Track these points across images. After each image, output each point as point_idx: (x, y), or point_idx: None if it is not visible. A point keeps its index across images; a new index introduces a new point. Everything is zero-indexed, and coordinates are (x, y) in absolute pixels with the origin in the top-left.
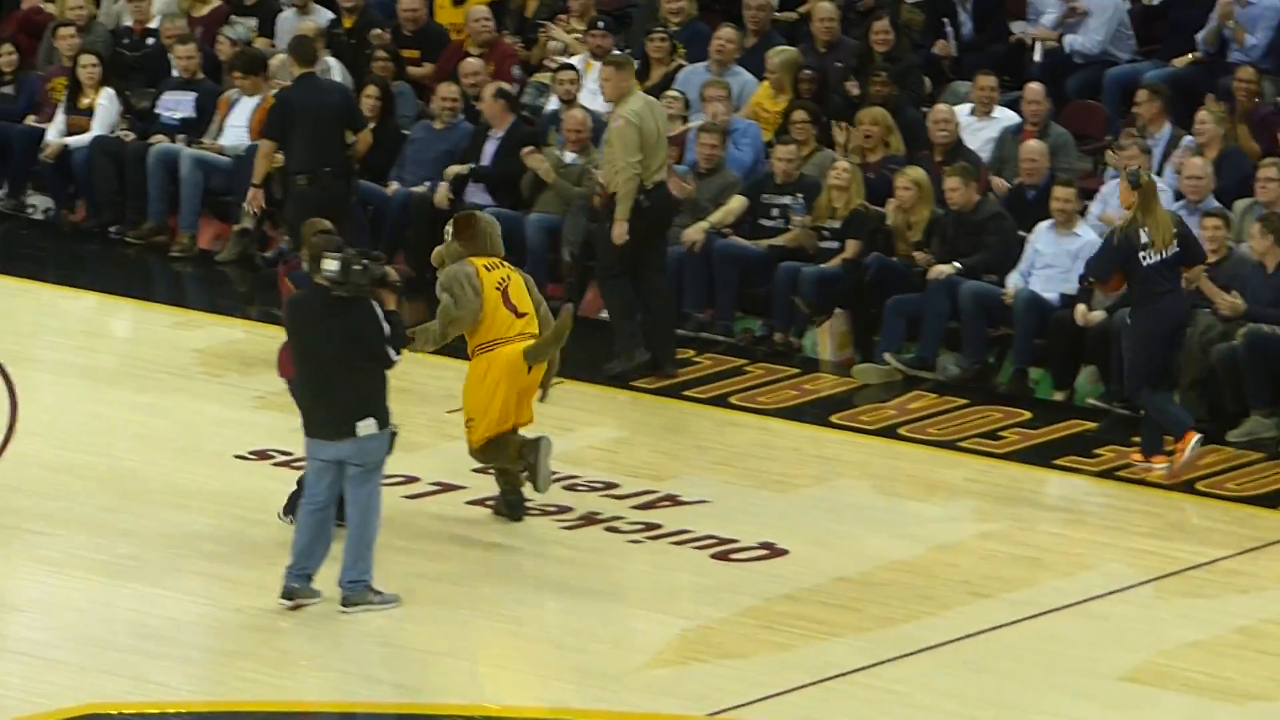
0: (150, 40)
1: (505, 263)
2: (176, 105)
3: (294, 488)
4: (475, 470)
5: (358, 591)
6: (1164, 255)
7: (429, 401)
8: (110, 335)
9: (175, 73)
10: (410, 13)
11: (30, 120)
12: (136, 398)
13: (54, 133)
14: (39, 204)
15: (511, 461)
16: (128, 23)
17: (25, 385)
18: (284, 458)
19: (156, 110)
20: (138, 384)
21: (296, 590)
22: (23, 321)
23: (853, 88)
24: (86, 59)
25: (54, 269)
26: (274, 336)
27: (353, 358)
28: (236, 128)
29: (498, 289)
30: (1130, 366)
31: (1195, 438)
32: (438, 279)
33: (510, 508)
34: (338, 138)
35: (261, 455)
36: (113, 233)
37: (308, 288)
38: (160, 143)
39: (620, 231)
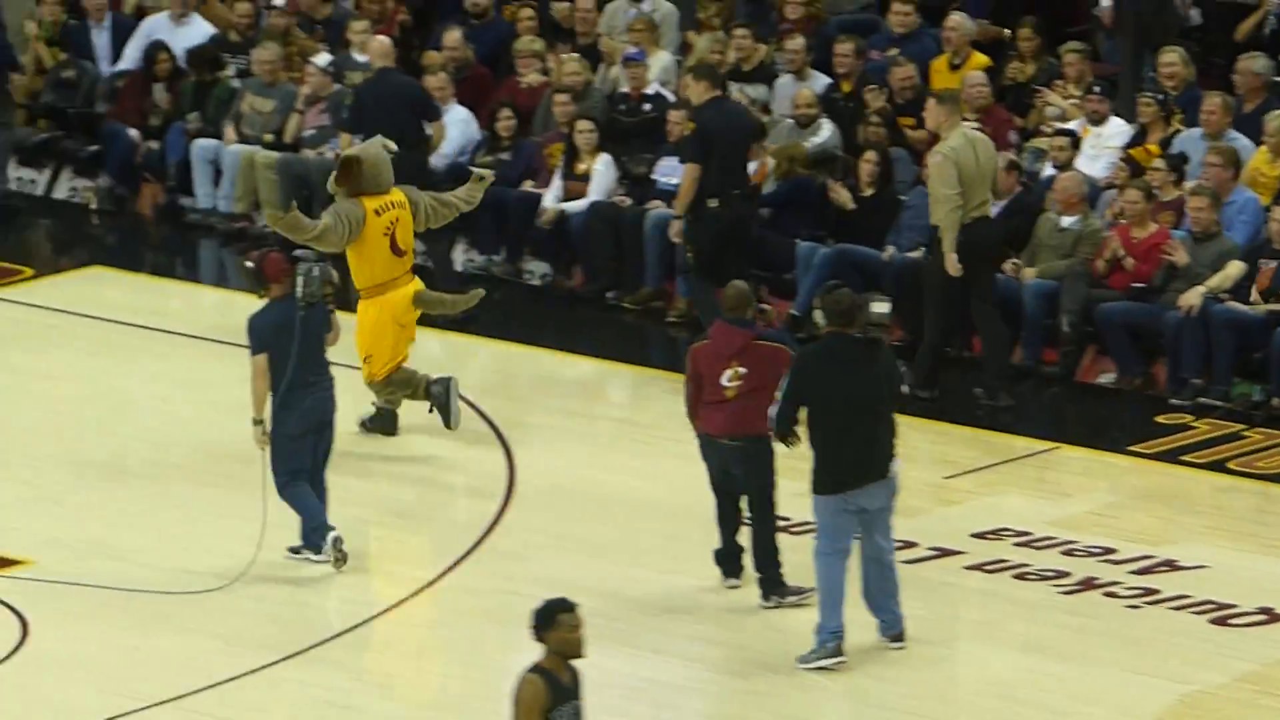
0: (647, 106)
1: (396, 195)
2: (673, 171)
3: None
4: (972, 535)
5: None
6: None
7: (925, 466)
8: (608, 400)
9: (671, 139)
10: (906, 79)
11: (527, 186)
12: (634, 463)
13: (551, 198)
14: (536, 269)
15: (409, 391)
16: (624, 89)
17: (522, 451)
18: (782, 521)
19: (653, 176)
20: (636, 449)
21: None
22: (520, 387)
23: None
24: (583, 125)
25: (551, 334)
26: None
27: (889, 401)
28: None
29: (385, 234)
30: None
31: None
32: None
33: (386, 422)
34: (745, 160)
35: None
36: (609, 298)
37: (826, 338)
38: (657, 208)
39: (951, 264)
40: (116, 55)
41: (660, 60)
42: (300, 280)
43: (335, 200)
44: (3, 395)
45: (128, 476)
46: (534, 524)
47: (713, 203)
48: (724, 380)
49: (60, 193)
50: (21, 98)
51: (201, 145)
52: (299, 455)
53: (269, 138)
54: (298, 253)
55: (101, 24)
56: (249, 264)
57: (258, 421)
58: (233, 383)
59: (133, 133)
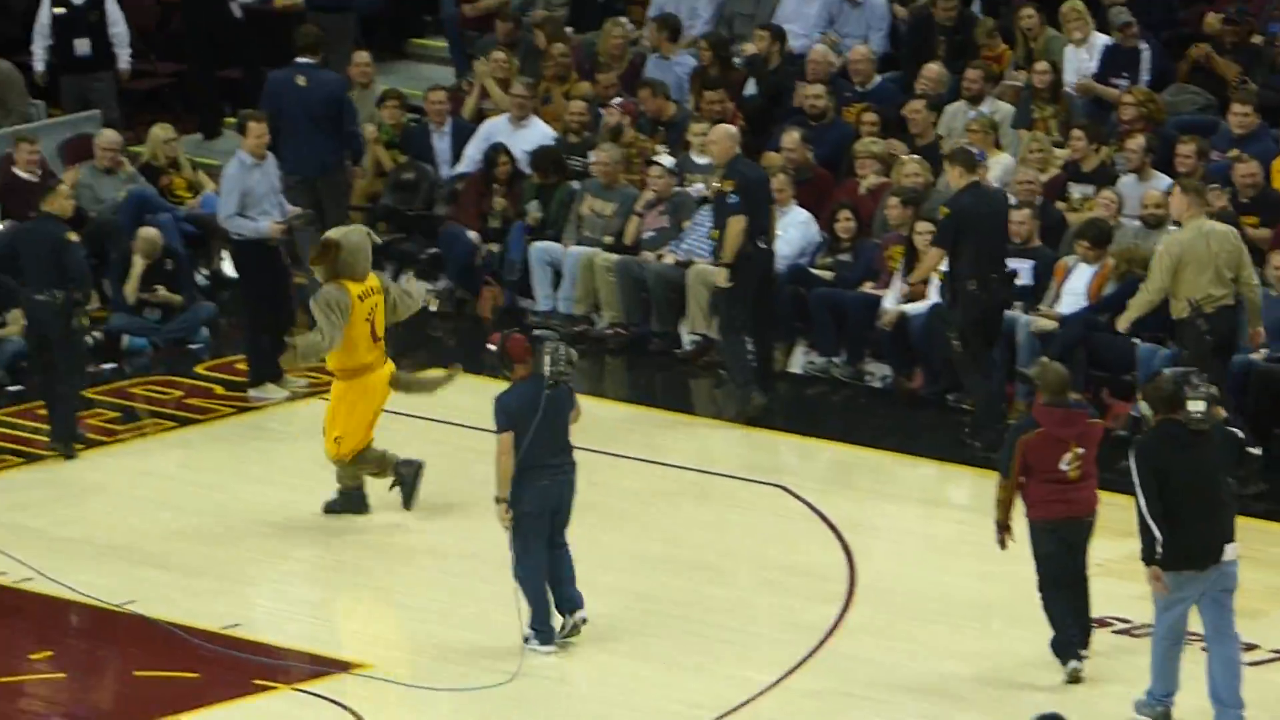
0: None
1: (373, 280)
2: (1015, 270)
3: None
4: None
5: None
6: None
7: (1265, 568)
8: (950, 504)
9: (1014, 240)
10: (1248, 177)
11: (867, 287)
12: (978, 566)
13: (891, 300)
14: (876, 371)
15: (374, 470)
16: None
17: (863, 552)
18: (1122, 625)
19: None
20: (978, 553)
21: None
22: (861, 489)
23: None
24: (922, 226)
25: (892, 436)
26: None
27: (1222, 482)
28: (1073, 295)
29: (367, 320)
30: None
31: None
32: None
33: (354, 503)
34: (1003, 244)
35: (1100, 623)
36: (950, 400)
37: (1158, 426)
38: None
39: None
40: (456, 158)
41: (1001, 161)
42: (548, 359)
43: (320, 286)
44: (325, 495)
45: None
46: (876, 626)
47: (971, 285)
48: (1063, 465)
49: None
50: (360, 200)
51: (541, 247)
52: (536, 533)
53: (609, 240)
54: (539, 333)
55: (442, 128)
56: (492, 346)
57: (501, 500)
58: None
59: (472, 235)
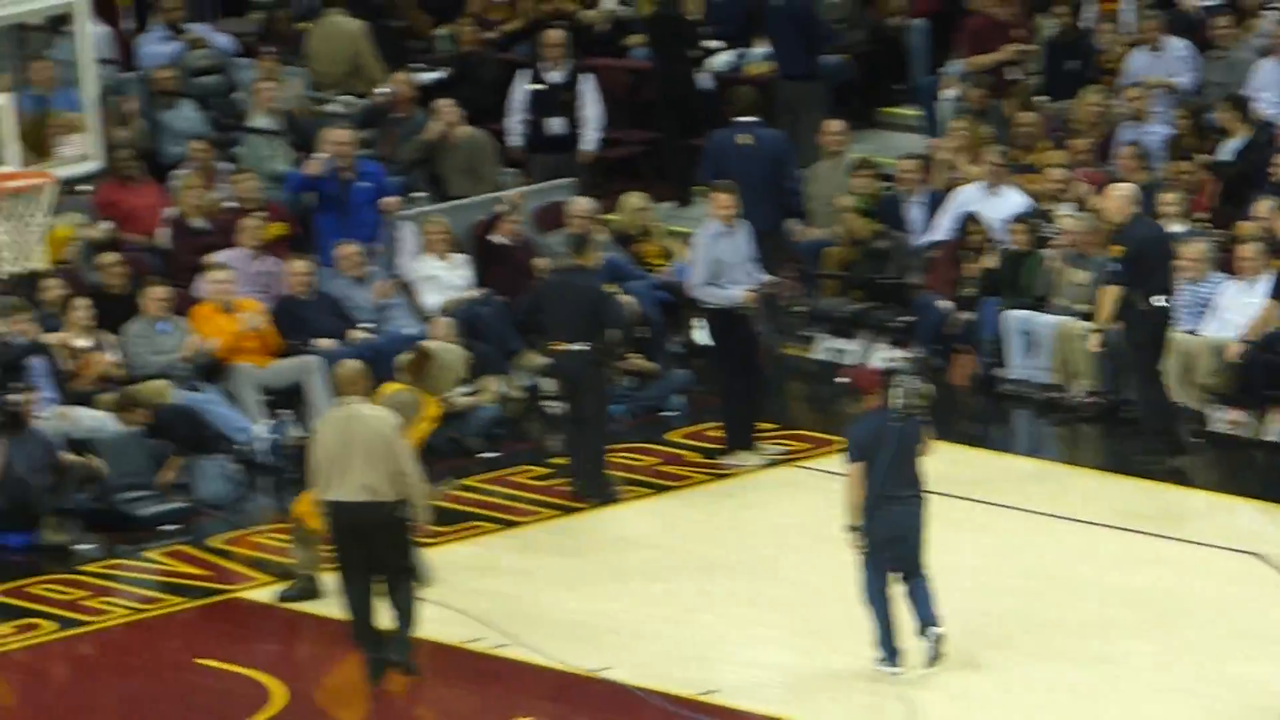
0: None
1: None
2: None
3: None
4: None
5: None
6: None
7: None
8: None
9: None
10: None
11: None
12: None
13: None
14: None
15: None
16: None
17: None
18: None
19: None
20: None
21: None
22: None
23: None
24: None
25: None
26: None
27: None
28: None
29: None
30: None
31: None
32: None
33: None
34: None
35: None
36: None
37: None
38: None
39: None
40: (928, 225)
41: None
42: (899, 392)
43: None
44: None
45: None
46: None
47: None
48: None
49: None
50: (835, 268)
51: (1015, 316)
52: (881, 565)
53: (1084, 307)
54: (891, 365)
55: (915, 196)
56: (843, 379)
57: (853, 528)
58: (1052, 553)
59: (944, 303)
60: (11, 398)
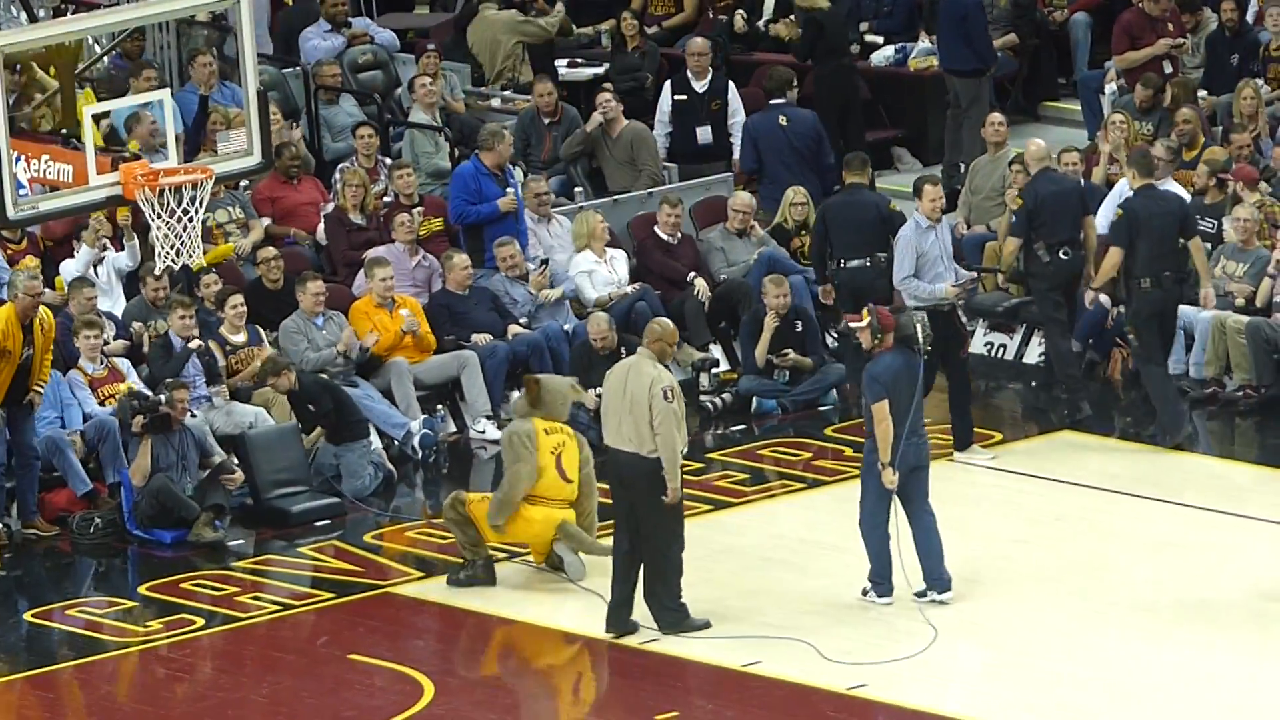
0: None
1: (566, 429)
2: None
3: None
4: None
5: None
6: None
7: None
8: None
9: None
10: None
11: None
12: None
13: None
14: None
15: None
16: None
17: None
18: None
19: None
20: None
21: None
22: None
23: None
24: None
25: None
26: None
27: None
28: None
29: (553, 453)
30: None
31: None
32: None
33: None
34: (1174, 243)
35: None
36: None
37: None
38: None
39: None
40: None
41: None
42: (919, 328)
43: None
44: (974, 561)
45: (1101, 639)
46: None
47: (1145, 283)
48: None
49: (1030, 358)
50: (994, 263)
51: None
52: (887, 497)
53: (1240, 301)
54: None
55: None
56: (855, 323)
57: (887, 464)
58: (1211, 549)
59: (1104, 298)
60: (161, 396)
